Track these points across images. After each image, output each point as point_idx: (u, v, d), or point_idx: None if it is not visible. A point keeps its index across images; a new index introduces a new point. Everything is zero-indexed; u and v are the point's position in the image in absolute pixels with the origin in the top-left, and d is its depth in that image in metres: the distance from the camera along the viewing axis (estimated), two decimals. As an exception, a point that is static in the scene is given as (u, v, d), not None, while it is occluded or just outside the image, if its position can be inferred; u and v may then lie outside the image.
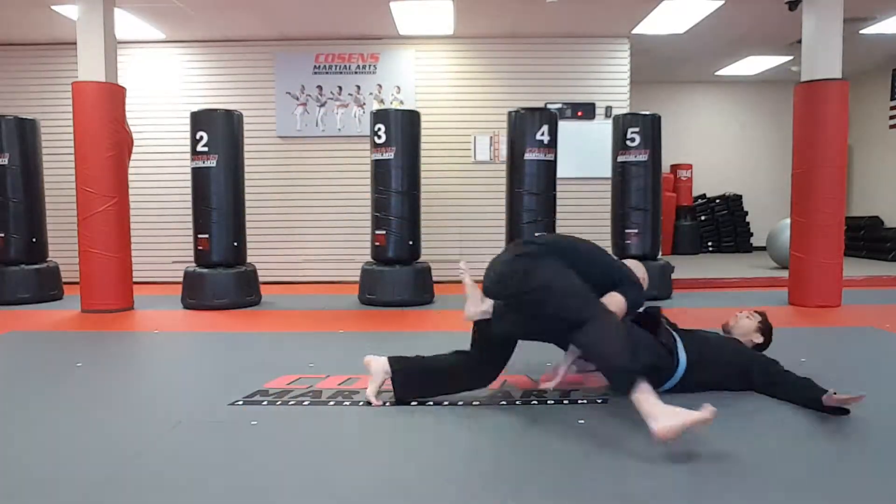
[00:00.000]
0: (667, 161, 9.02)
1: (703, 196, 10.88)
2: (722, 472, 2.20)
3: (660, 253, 6.41)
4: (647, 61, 8.57)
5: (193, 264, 5.86)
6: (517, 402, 2.97)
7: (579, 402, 2.96)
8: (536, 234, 3.18)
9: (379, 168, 5.96)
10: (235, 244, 5.83)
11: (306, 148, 7.62)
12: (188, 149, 5.89)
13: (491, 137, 7.55)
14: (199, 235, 5.75)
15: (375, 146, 5.96)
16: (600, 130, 7.31)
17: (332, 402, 2.99)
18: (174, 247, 7.35)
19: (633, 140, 6.13)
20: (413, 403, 2.95)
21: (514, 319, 2.79)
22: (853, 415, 2.78)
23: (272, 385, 3.25)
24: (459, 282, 3.10)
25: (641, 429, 2.63)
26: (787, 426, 2.66)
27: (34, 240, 6.24)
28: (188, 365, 4.06)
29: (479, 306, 2.88)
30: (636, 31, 7.33)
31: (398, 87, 7.49)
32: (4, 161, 6.10)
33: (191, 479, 2.22)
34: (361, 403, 2.96)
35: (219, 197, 5.73)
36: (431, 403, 2.95)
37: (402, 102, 7.26)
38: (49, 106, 7.33)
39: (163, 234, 7.47)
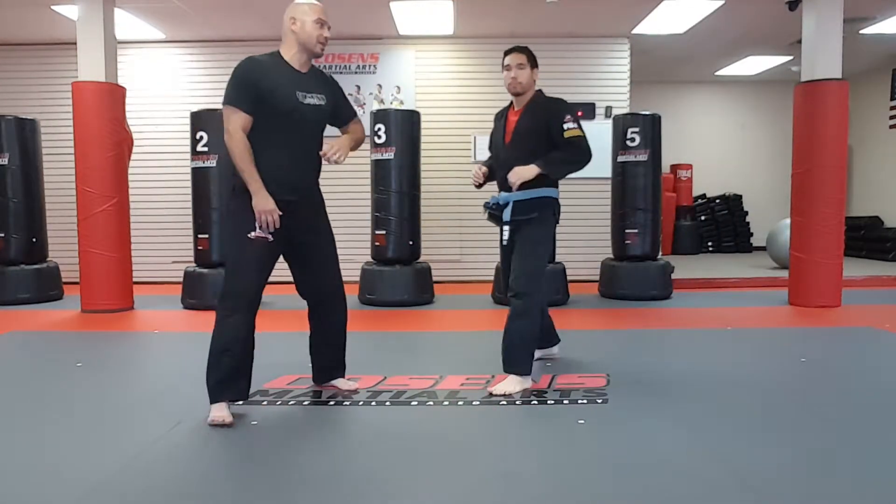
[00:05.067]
0: (667, 161, 9.01)
1: (703, 196, 10.88)
2: (721, 471, 2.20)
3: (660, 253, 6.41)
4: (647, 61, 8.57)
5: (193, 264, 5.86)
6: (517, 402, 2.97)
7: (579, 402, 2.96)
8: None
9: (379, 168, 5.96)
10: (235, 244, 5.82)
11: (306, 148, 7.60)
12: (188, 149, 5.88)
13: (491, 137, 7.54)
14: (199, 235, 5.74)
15: (375, 146, 5.96)
16: (600, 130, 7.30)
17: (332, 402, 2.99)
18: (174, 247, 7.34)
19: (633, 140, 6.13)
20: (413, 403, 2.95)
21: None
22: (852, 415, 2.78)
23: (272, 385, 3.25)
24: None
25: (641, 429, 2.64)
26: (784, 426, 2.66)
27: (34, 240, 6.23)
28: (188, 365, 4.05)
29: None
30: (636, 31, 7.33)
31: (398, 87, 7.48)
32: (4, 161, 6.09)
33: (191, 479, 2.22)
34: (361, 403, 2.96)
35: (219, 197, 5.72)
36: (431, 403, 2.95)
37: (402, 102, 7.26)
38: (49, 106, 7.32)
39: (163, 234, 7.46)
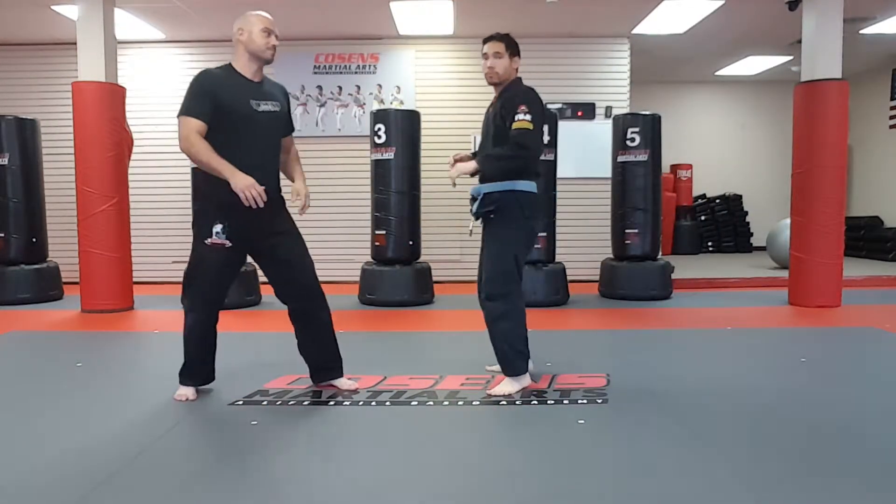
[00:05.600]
0: (667, 161, 9.00)
1: (703, 196, 10.87)
2: (721, 471, 2.20)
3: (660, 253, 6.41)
4: (647, 61, 8.56)
5: (193, 264, 5.85)
6: (517, 402, 2.97)
7: (579, 402, 2.96)
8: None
9: (379, 168, 5.96)
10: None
11: (306, 148, 7.51)
12: (188, 149, 5.88)
13: (491, 137, 7.53)
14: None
15: (375, 146, 5.96)
16: (600, 130, 7.30)
17: (332, 402, 2.99)
18: (174, 247, 7.34)
19: (633, 140, 6.12)
20: (413, 403, 2.96)
21: None
22: (852, 415, 2.78)
23: (272, 385, 3.26)
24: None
25: (641, 429, 2.64)
26: (783, 426, 2.66)
27: (34, 240, 6.23)
28: (188, 365, 4.06)
29: None
30: (636, 31, 7.32)
31: (398, 87, 7.48)
32: (4, 161, 6.09)
33: (191, 478, 2.22)
34: (361, 403, 2.96)
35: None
36: (431, 403, 2.95)
37: (402, 102, 7.25)
38: (49, 106, 7.31)
39: (163, 234, 7.46)
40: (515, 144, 3.01)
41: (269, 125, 2.94)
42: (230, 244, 2.84)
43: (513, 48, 3.16)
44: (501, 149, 3.06)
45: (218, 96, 2.80)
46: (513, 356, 3.11)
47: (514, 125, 3.00)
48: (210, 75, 2.87)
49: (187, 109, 2.80)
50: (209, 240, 2.82)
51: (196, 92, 2.82)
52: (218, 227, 2.82)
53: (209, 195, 2.86)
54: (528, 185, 3.11)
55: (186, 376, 3.04)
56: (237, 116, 2.82)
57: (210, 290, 2.93)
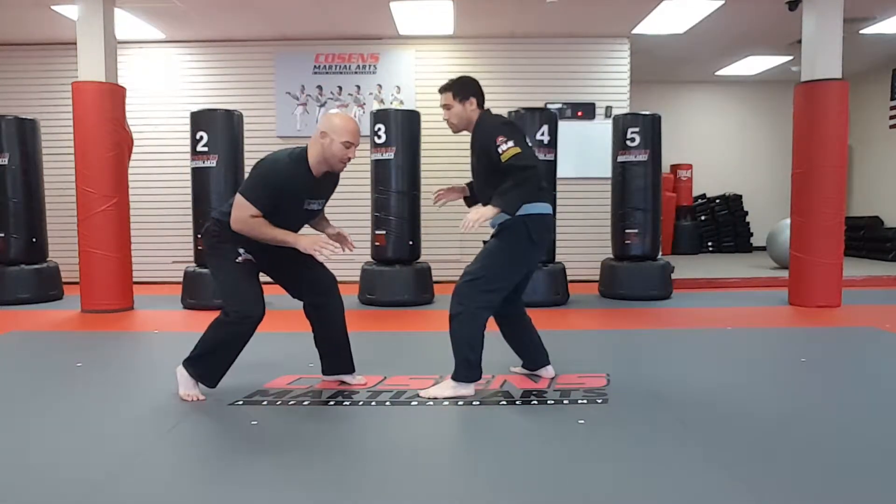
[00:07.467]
0: (667, 161, 9.01)
1: (703, 196, 10.88)
2: (720, 472, 2.20)
3: (660, 253, 6.41)
4: (647, 61, 8.56)
5: (193, 264, 5.86)
6: (517, 402, 2.97)
7: (579, 402, 2.96)
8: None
9: (379, 168, 5.96)
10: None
11: (306, 148, 7.60)
12: (188, 149, 5.88)
13: (491, 137, 7.53)
14: (199, 235, 5.75)
15: (375, 146, 5.96)
16: (600, 130, 7.31)
17: (332, 402, 2.99)
18: (174, 247, 7.34)
19: (633, 140, 6.12)
20: (413, 403, 2.96)
21: None
22: (852, 415, 2.78)
23: (272, 385, 3.26)
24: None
25: (641, 429, 2.64)
26: (783, 426, 2.66)
27: (34, 240, 6.23)
28: (188, 365, 4.06)
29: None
30: (636, 31, 7.33)
31: (398, 87, 7.48)
32: (4, 161, 6.09)
33: (191, 479, 2.22)
34: (361, 403, 2.97)
35: (219, 197, 5.70)
36: (431, 403, 2.95)
37: (402, 102, 7.25)
38: (49, 106, 7.31)
39: (163, 234, 7.46)
40: (517, 170, 2.92)
41: (307, 216, 3.09)
42: (255, 261, 3.00)
43: (462, 93, 3.11)
44: (509, 181, 2.94)
45: (281, 193, 2.86)
46: (457, 359, 3.02)
47: (503, 157, 2.92)
48: (283, 173, 2.86)
49: (252, 198, 2.83)
50: (240, 258, 2.95)
51: (264, 185, 2.85)
52: (241, 250, 2.95)
53: (227, 239, 2.95)
54: (538, 207, 3.03)
55: (208, 378, 3.01)
56: (286, 207, 2.91)
57: (252, 288, 2.97)
